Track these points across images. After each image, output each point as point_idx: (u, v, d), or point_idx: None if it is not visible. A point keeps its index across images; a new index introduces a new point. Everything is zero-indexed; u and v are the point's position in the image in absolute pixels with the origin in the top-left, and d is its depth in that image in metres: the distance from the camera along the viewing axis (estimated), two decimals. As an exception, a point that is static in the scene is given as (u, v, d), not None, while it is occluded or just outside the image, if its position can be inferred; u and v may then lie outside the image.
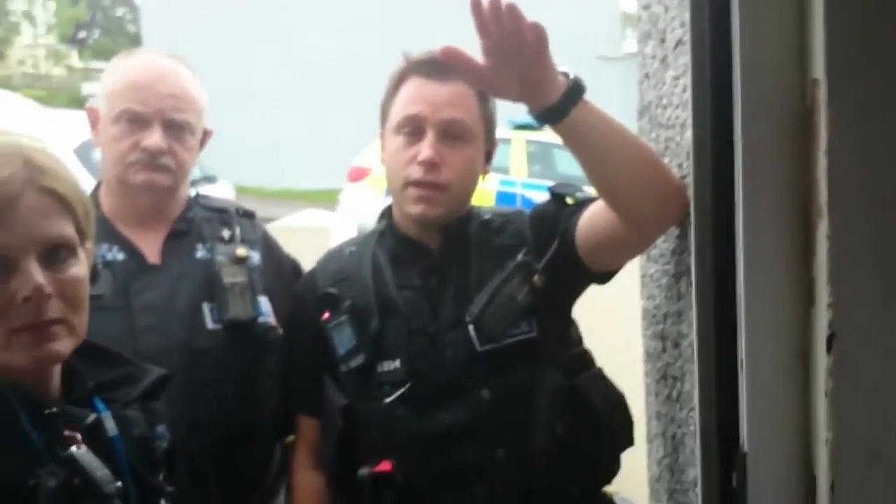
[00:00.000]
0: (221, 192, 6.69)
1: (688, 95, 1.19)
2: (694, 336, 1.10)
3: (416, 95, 1.59)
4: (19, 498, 1.05)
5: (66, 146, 5.17)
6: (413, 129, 1.58)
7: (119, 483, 1.10)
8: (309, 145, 14.39)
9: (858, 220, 0.88)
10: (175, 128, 1.72)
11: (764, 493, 0.95)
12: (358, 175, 9.39)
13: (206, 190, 2.10)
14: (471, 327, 1.53)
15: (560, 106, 1.32)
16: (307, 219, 5.62)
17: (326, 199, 11.03)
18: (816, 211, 0.91)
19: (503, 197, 8.88)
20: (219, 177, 7.65)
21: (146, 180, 1.71)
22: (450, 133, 1.57)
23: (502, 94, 1.34)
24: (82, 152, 4.60)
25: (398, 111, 1.60)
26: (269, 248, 1.90)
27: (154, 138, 1.69)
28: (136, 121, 1.70)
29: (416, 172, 1.57)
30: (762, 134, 0.92)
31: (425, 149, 1.55)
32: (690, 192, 1.12)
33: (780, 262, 0.92)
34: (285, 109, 14.91)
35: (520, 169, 9.74)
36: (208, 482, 1.44)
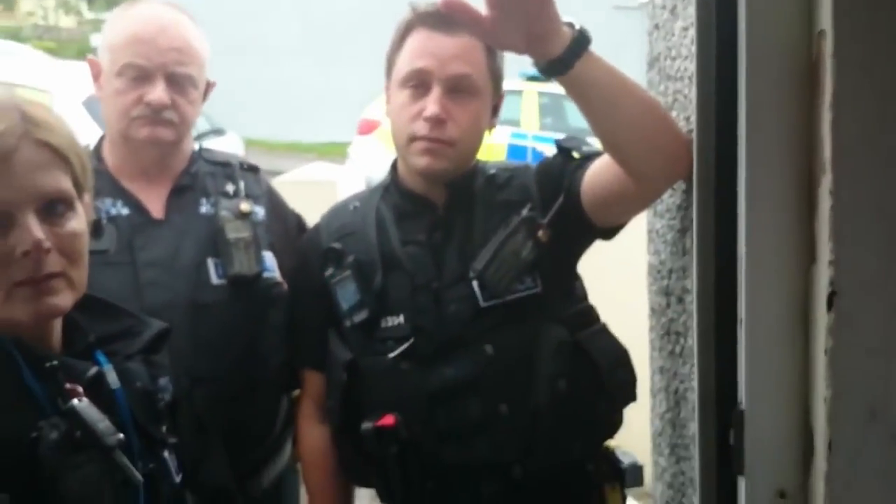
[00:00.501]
0: (230, 144, 6.67)
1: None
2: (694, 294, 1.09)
3: (421, 48, 1.56)
4: (22, 450, 1.06)
5: (75, 98, 5.16)
6: (419, 83, 1.56)
7: (121, 435, 1.11)
8: (319, 98, 14.29)
9: (863, 175, 0.86)
10: (178, 81, 1.70)
11: (761, 451, 0.95)
12: (368, 128, 9.31)
13: (214, 142, 2.09)
14: (474, 283, 1.53)
15: (564, 58, 1.29)
16: (315, 172, 5.59)
17: (336, 152, 10.99)
18: (820, 166, 0.89)
19: (514, 150, 8.82)
20: (227, 129, 7.62)
21: (150, 135, 1.70)
22: (456, 88, 1.55)
23: (507, 46, 1.32)
24: (91, 105, 4.58)
25: (404, 64, 1.58)
26: (274, 202, 1.89)
27: (157, 93, 1.67)
28: (139, 75, 1.68)
29: (421, 128, 1.55)
30: (767, 87, 0.90)
31: (431, 105, 1.53)
32: (694, 146, 1.10)
33: (782, 219, 0.91)
34: (296, 61, 14.78)
35: (531, 121, 9.63)
36: (213, 436, 1.45)
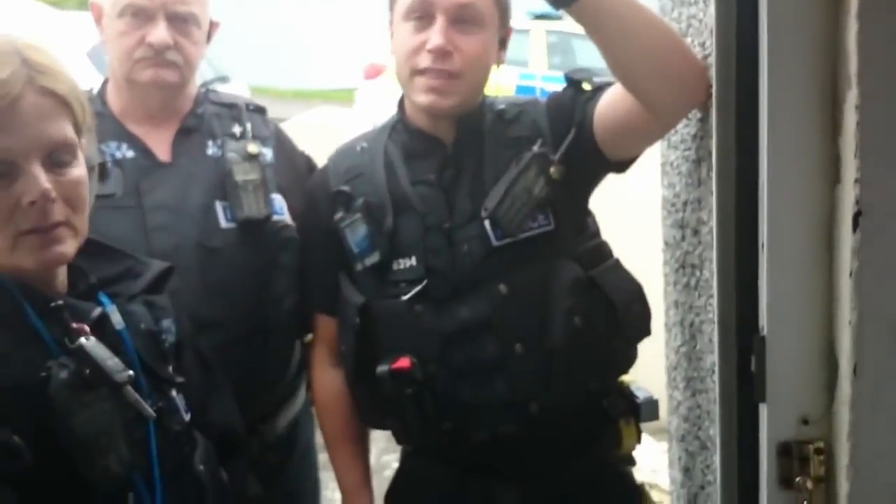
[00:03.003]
0: (235, 91, 6.58)
1: (711, -32, 1.12)
2: (714, 222, 1.06)
3: None
4: (32, 390, 1.06)
5: (78, 49, 5.10)
6: (422, 14, 1.51)
7: (130, 372, 1.11)
8: (325, 43, 14.11)
9: (891, 89, 0.83)
10: (180, 20, 1.66)
11: (783, 378, 0.93)
12: (374, 72, 9.19)
13: (219, 90, 2.06)
14: (486, 222, 1.50)
15: None
16: (321, 117, 5.54)
17: (343, 97, 10.88)
18: (845, 81, 0.85)
19: (522, 91, 8.64)
20: (232, 77, 7.54)
21: (153, 77, 1.66)
22: (461, 17, 1.51)
23: None
24: (95, 55, 4.52)
25: None
26: (282, 144, 1.86)
27: (159, 32, 1.64)
28: (140, 14, 1.64)
29: (425, 60, 1.51)
30: (789, 2, 0.86)
31: (435, 35, 1.49)
32: (712, 70, 1.06)
33: (806, 137, 0.88)
34: (301, 7, 14.57)
35: (539, 61, 9.45)
36: (221, 377, 1.44)
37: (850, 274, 0.87)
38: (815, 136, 0.89)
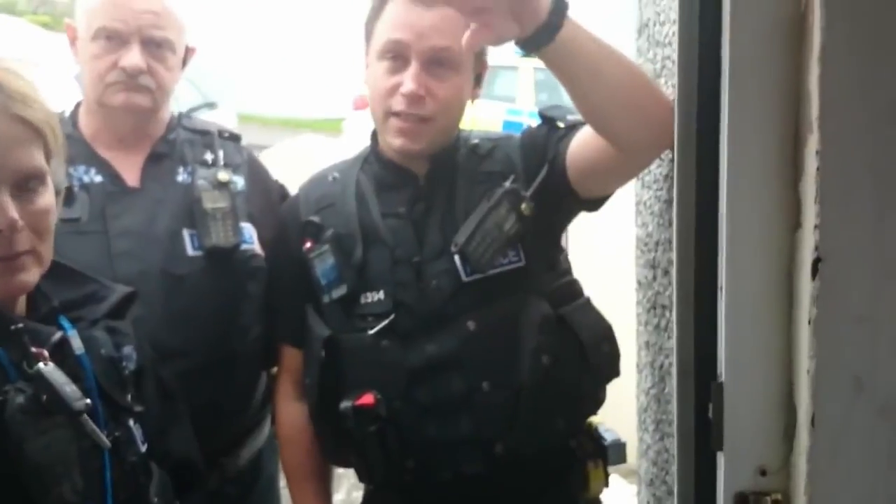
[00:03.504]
0: (222, 119, 6.60)
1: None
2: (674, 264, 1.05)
3: (400, 20, 1.50)
4: None
5: (69, 72, 5.09)
6: (396, 55, 1.50)
7: (88, 400, 1.09)
8: (314, 73, 14.17)
9: (852, 134, 0.82)
10: (154, 45, 1.65)
11: (741, 426, 0.91)
12: (363, 103, 9.19)
13: (206, 116, 2.04)
14: (456, 257, 1.48)
15: (549, 24, 1.24)
16: (307, 145, 5.54)
17: (331, 127, 10.91)
18: (806, 125, 0.84)
19: (509, 126, 8.68)
20: (220, 103, 7.55)
21: (125, 102, 1.65)
22: (435, 61, 1.49)
23: (505, 35, 1.26)
24: (83, 79, 4.51)
25: (381, 34, 1.52)
26: (255, 172, 1.84)
27: (132, 57, 1.62)
28: (114, 38, 1.63)
29: (398, 104, 1.49)
30: (750, 39, 0.85)
31: (408, 81, 1.48)
32: (675, 110, 1.05)
33: (766, 181, 0.86)
34: (291, 35, 14.65)
35: (527, 98, 9.52)
36: (181, 407, 1.41)
37: (809, 321, 0.86)
38: (776, 180, 0.88)
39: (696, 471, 0.98)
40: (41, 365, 1.08)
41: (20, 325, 1.10)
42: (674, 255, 1.02)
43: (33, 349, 1.09)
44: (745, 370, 0.90)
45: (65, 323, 1.19)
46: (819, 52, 0.82)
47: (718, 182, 0.90)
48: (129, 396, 1.23)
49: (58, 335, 1.15)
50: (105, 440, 1.11)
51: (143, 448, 1.23)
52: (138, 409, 1.24)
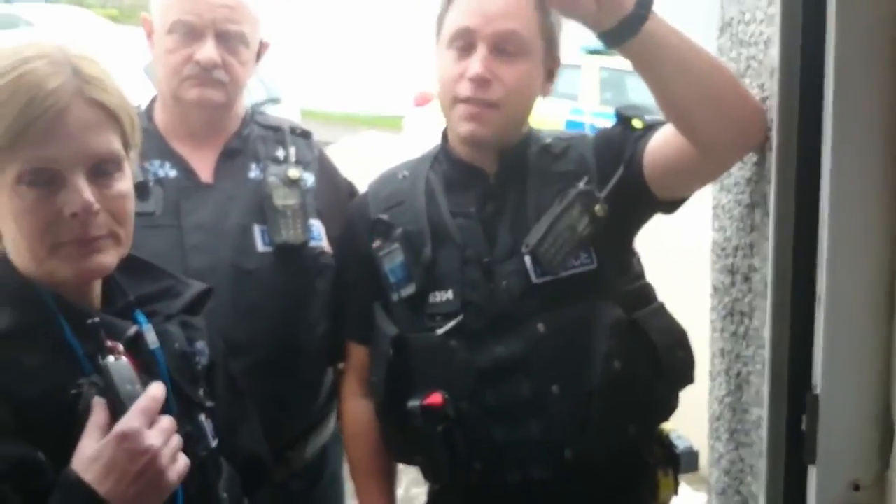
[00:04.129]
0: (286, 113, 6.67)
1: (773, 10, 1.09)
2: (768, 270, 1.01)
3: (468, 7, 1.49)
4: (61, 407, 1.05)
5: (136, 64, 5.18)
6: (464, 43, 1.49)
7: None
8: (376, 69, 14.25)
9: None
10: (229, 39, 1.66)
11: (836, 439, 0.88)
12: (424, 100, 9.22)
13: (270, 111, 2.06)
14: (527, 258, 1.46)
15: (634, 15, 1.22)
16: (368, 142, 5.56)
17: (392, 124, 10.95)
18: (915, 129, 0.80)
19: (572, 125, 8.60)
20: (284, 99, 7.62)
21: (199, 96, 1.66)
22: (503, 47, 1.47)
23: (579, 12, 1.25)
24: (152, 71, 4.58)
25: (450, 24, 1.51)
26: (325, 169, 1.84)
27: (207, 51, 1.63)
28: (189, 32, 1.65)
29: (464, 89, 1.48)
30: (857, 44, 0.82)
31: (475, 63, 1.46)
32: (773, 113, 1.02)
33: (870, 186, 0.83)
34: (354, 32, 14.75)
35: (591, 97, 9.42)
36: (250, 402, 1.42)
37: (913, 334, 0.82)
38: (881, 185, 0.84)
39: (784, 483, 0.95)
40: (110, 359, 1.08)
41: (97, 318, 1.10)
42: (767, 262, 0.98)
43: (108, 343, 1.09)
44: (843, 382, 0.87)
45: (140, 317, 1.19)
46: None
47: (818, 186, 0.87)
48: (200, 392, 1.24)
49: (133, 329, 1.16)
50: None
51: (214, 443, 1.24)
52: (210, 404, 1.24)
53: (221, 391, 1.31)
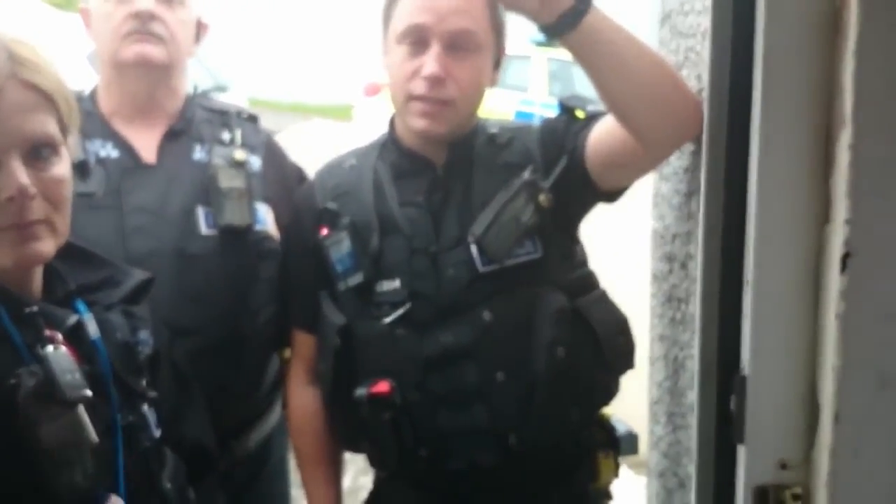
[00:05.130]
0: (233, 101, 6.57)
1: (711, 1, 1.11)
2: (699, 256, 1.04)
3: (420, 3, 1.49)
4: (1, 396, 1.03)
5: (80, 52, 5.08)
6: (417, 39, 1.49)
7: (87, 391, 1.07)
8: (326, 58, 14.16)
9: (885, 129, 0.81)
10: None
11: (763, 419, 0.91)
12: (374, 90, 9.19)
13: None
14: (473, 247, 1.48)
15: (575, 9, 1.24)
16: (317, 130, 5.53)
17: (341, 114, 10.90)
18: (840, 119, 0.84)
19: (522, 116, 8.66)
20: (231, 87, 7.53)
21: (139, 53, 1.64)
22: (456, 44, 1.48)
23: (522, 6, 1.26)
24: (95, 59, 4.50)
25: (401, 19, 1.51)
26: (273, 153, 1.83)
27: (144, 1, 1.63)
28: None
29: (419, 87, 1.48)
30: (785, 33, 0.84)
31: (430, 63, 1.47)
32: (705, 101, 1.05)
33: (797, 175, 0.86)
34: (303, 21, 14.62)
35: (539, 88, 9.47)
36: (195, 391, 1.41)
37: (836, 316, 0.85)
38: (807, 173, 0.87)
39: (715, 463, 0.98)
40: (49, 349, 1.06)
41: (35, 308, 1.09)
42: (698, 248, 1.01)
43: (47, 332, 1.08)
44: (769, 363, 0.90)
45: (80, 306, 1.18)
46: (855, 46, 0.81)
47: (747, 175, 0.90)
48: (143, 382, 1.23)
49: (73, 318, 1.14)
50: (93, 435, 1.07)
51: (157, 434, 1.22)
52: (153, 394, 1.23)
53: (165, 380, 1.30)
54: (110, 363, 1.16)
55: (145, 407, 1.22)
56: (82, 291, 1.21)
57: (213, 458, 1.42)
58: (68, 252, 1.19)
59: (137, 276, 1.28)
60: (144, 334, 1.25)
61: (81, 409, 1.06)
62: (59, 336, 1.09)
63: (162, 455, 1.24)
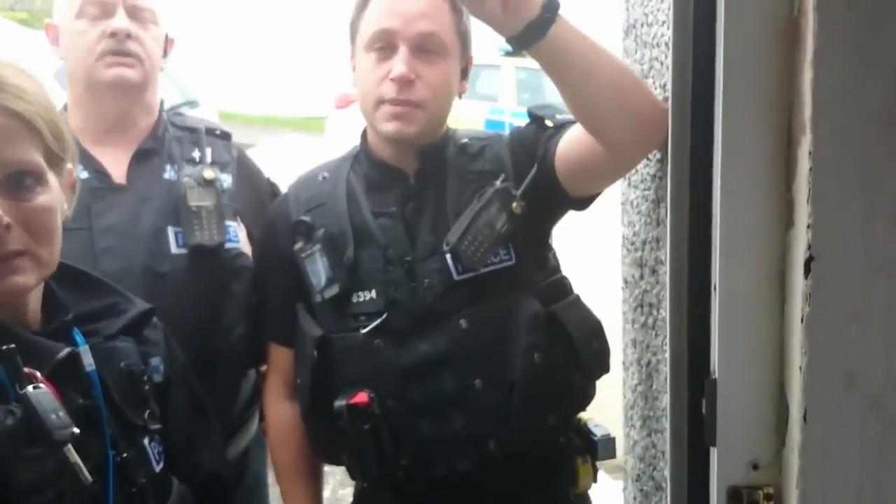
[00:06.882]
0: (204, 116, 6.52)
1: (673, 11, 1.13)
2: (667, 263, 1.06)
3: (387, 9, 1.51)
4: None
5: (47, 70, 5.03)
6: (384, 44, 1.51)
7: (75, 429, 1.03)
8: (297, 71, 14.13)
9: (844, 135, 0.84)
10: (139, 12, 1.67)
11: (734, 421, 0.93)
12: (345, 102, 9.18)
13: (188, 113, 2.04)
14: (448, 256, 1.49)
15: (542, 19, 1.26)
16: (290, 143, 5.52)
17: (313, 126, 10.88)
18: (799, 126, 0.86)
19: (492, 125, 8.71)
20: (201, 101, 7.50)
21: (116, 76, 1.64)
22: (423, 47, 1.50)
23: (486, 15, 1.28)
24: (62, 76, 4.47)
25: (369, 26, 1.53)
26: (244, 170, 1.83)
27: (119, 20, 1.64)
28: (100, 9, 1.64)
29: (389, 90, 1.50)
30: (745, 43, 0.87)
31: (398, 65, 1.48)
32: (669, 111, 1.07)
33: (759, 181, 0.88)
34: (274, 34, 14.60)
35: (509, 97, 9.52)
36: (211, 416, 1.39)
37: (802, 319, 0.88)
38: (769, 180, 0.90)
39: (688, 466, 1.00)
40: (29, 389, 1.02)
41: (12, 345, 1.03)
42: (667, 254, 1.03)
43: (26, 370, 1.03)
44: (739, 366, 0.92)
45: (78, 337, 1.14)
46: (812, 55, 0.84)
47: (712, 182, 0.92)
48: (147, 412, 1.19)
49: (65, 351, 1.10)
50: (87, 475, 1.04)
51: (159, 468, 1.19)
52: (156, 426, 1.19)
53: (181, 407, 1.27)
54: (108, 395, 1.13)
55: (146, 441, 1.18)
56: (82, 320, 1.17)
57: (229, 487, 1.39)
58: (76, 280, 1.17)
59: (140, 305, 1.25)
60: (156, 361, 1.23)
61: (70, 448, 1.03)
62: (38, 374, 1.04)
63: (165, 488, 1.20)
